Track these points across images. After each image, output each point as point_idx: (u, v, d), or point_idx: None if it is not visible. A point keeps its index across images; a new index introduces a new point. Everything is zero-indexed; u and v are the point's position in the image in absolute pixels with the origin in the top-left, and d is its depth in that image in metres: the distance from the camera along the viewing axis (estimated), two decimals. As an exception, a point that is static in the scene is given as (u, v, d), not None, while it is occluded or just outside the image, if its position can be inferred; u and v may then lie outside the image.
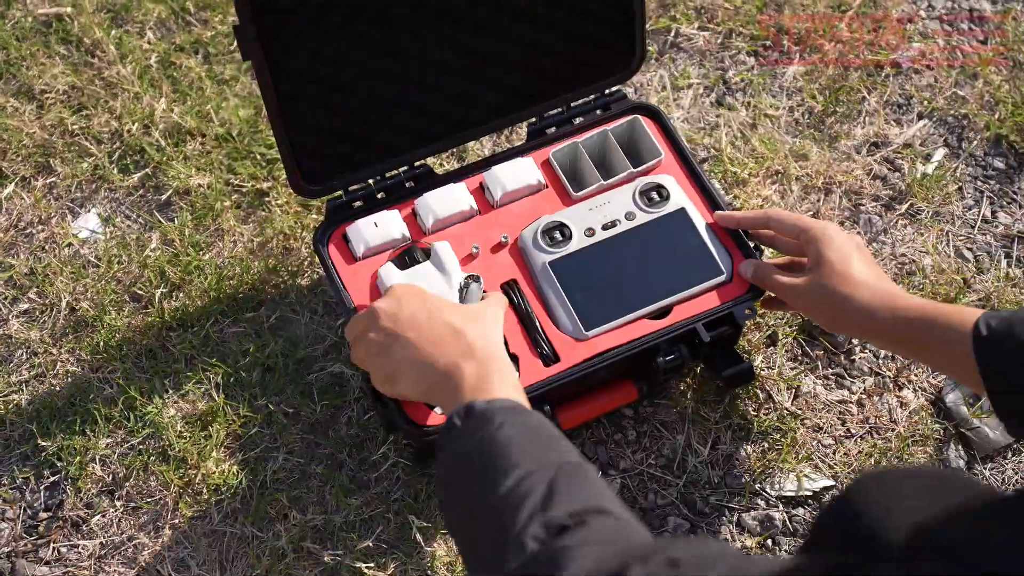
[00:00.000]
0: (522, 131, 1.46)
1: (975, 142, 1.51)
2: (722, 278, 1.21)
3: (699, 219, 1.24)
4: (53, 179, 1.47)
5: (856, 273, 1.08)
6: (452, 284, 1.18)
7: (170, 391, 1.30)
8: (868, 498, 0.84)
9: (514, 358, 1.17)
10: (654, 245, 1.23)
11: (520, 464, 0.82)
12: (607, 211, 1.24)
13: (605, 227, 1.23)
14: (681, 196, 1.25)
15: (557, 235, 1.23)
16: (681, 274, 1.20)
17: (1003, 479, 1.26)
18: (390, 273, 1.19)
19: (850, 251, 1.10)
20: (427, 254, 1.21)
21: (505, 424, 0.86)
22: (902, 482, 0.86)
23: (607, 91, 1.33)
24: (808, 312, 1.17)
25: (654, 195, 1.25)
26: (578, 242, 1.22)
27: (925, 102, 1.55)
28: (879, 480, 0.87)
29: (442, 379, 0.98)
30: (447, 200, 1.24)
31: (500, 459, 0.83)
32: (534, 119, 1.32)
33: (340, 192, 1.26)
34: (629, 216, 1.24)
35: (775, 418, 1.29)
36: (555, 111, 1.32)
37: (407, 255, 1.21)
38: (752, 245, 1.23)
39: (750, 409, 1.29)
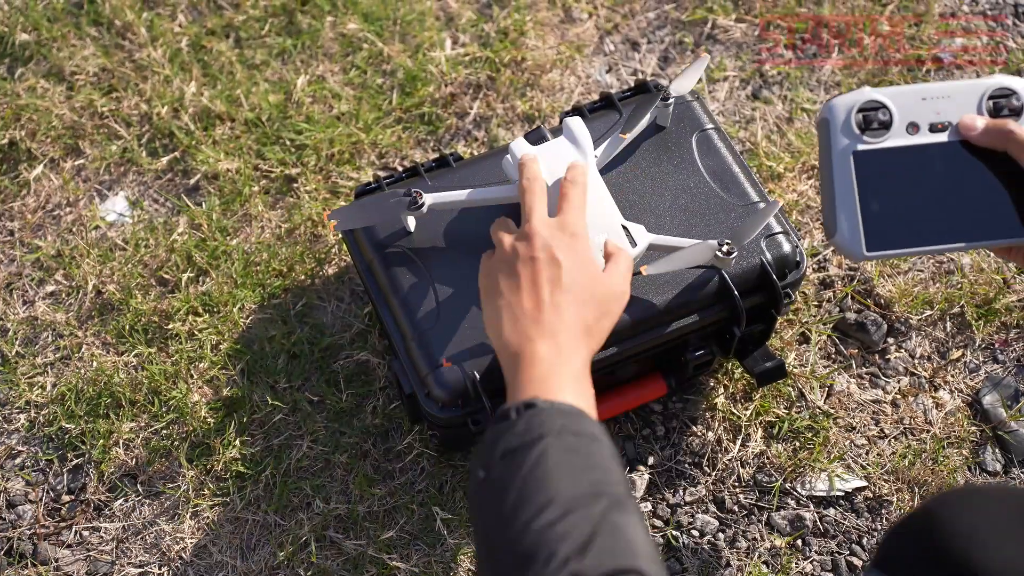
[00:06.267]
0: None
1: (1017, 140, 1.48)
2: None
3: None
4: (82, 161, 1.47)
5: None
6: (587, 158, 1.12)
7: (195, 376, 1.29)
8: (951, 516, 0.77)
9: None
10: (985, 172, 0.95)
11: (566, 496, 0.78)
12: (942, 108, 0.96)
13: (933, 128, 0.96)
14: None
15: (875, 120, 0.96)
16: (1005, 218, 0.94)
17: (1041, 484, 1.23)
18: (520, 146, 1.12)
19: None
20: (555, 132, 1.18)
21: (563, 435, 0.82)
22: (989, 503, 0.79)
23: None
24: None
25: (1003, 105, 0.96)
26: (897, 136, 0.96)
27: (966, 98, 1.52)
28: (963, 498, 0.79)
29: (512, 354, 0.92)
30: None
31: (547, 481, 0.79)
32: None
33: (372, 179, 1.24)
34: None
35: (807, 417, 1.26)
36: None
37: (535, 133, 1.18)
38: None
39: (782, 407, 1.27)
